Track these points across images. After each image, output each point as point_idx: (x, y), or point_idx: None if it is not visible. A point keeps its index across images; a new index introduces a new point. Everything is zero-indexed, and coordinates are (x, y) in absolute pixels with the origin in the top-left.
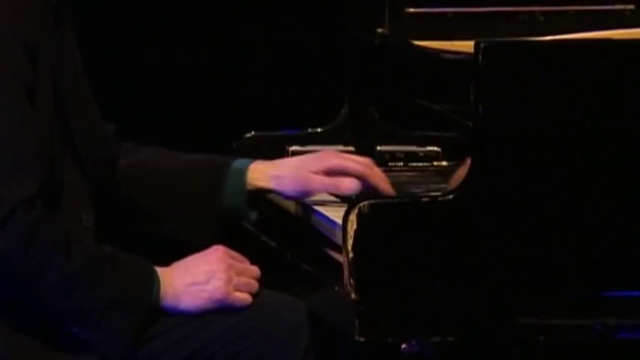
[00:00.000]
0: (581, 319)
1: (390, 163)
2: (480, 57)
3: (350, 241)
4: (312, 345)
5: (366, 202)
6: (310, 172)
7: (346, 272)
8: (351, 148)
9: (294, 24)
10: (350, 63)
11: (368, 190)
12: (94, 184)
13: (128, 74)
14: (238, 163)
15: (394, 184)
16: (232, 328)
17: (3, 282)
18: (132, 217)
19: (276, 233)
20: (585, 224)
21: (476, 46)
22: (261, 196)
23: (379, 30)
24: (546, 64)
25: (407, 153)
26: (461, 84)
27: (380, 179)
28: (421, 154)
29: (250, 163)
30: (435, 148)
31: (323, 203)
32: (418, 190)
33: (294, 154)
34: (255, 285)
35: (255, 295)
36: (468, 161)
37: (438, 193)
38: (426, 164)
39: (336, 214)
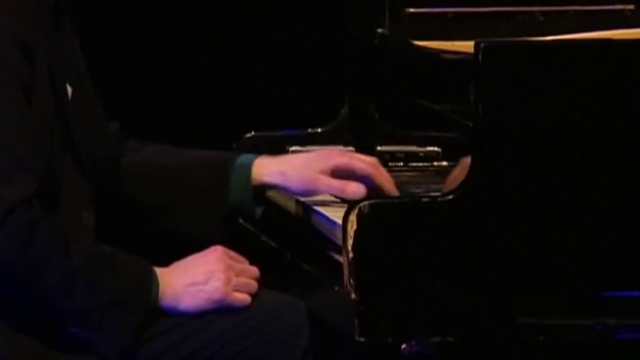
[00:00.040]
0: (581, 319)
1: (390, 163)
2: (480, 57)
3: (350, 241)
4: (312, 345)
5: (366, 202)
6: (317, 172)
7: (346, 272)
8: (351, 149)
9: (294, 24)
10: (350, 63)
11: (372, 189)
12: (94, 184)
13: (128, 74)
14: (243, 158)
15: (394, 184)
16: (232, 329)
17: (2, 282)
18: (137, 214)
19: (276, 233)
20: (585, 224)
21: (476, 46)
22: (265, 191)
23: (379, 30)
24: (546, 64)
25: (407, 153)
26: (461, 84)
27: (385, 179)
28: (421, 154)
29: (255, 158)
30: (435, 148)
31: (323, 203)
32: (418, 190)
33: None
34: (254, 285)
35: (254, 296)
36: (463, 161)
37: (438, 193)
38: (426, 164)
39: (336, 214)
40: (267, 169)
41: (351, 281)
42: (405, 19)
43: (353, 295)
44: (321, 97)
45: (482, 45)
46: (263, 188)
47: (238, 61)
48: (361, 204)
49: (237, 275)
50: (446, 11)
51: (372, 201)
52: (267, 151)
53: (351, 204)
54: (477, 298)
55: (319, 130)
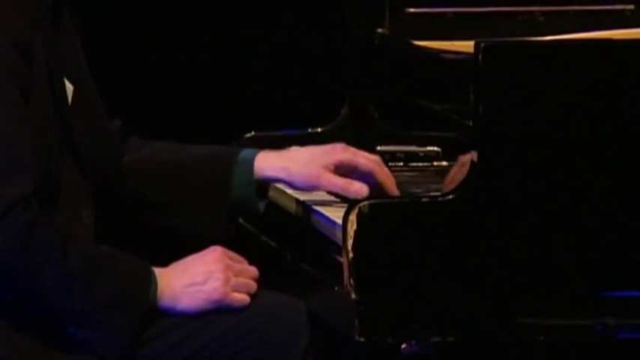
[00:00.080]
0: (581, 319)
1: (390, 163)
2: (480, 57)
3: (350, 241)
4: (312, 345)
5: (366, 202)
6: (320, 167)
7: (346, 272)
8: None
9: (294, 24)
10: (350, 63)
11: (373, 187)
12: (94, 184)
13: (128, 74)
14: (245, 153)
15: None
16: (232, 329)
17: (1, 281)
18: (140, 211)
19: (276, 233)
20: (585, 224)
21: (476, 46)
22: (268, 185)
23: (379, 30)
24: (546, 64)
25: (407, 153)
26: (461, 84)
27: (387, 178)
28: (421, 154)
29: (257, 152)
30: (435, 148)
31: (323, 203)
32: (418, 190)
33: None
34: (253, 285)
35: (254, 296)
36: (461, 159)
37: (438, 193)
38: (426, 164)
39: (336, 214)
40: (269, 163)
41: (351, 281)
42: (405, 19)
43: (353, 295)
44: (321, 97)
45: (482, 45)
46: (266, 182)
47: (238, 61)
48: (361, 204)
49: (236, 275)
50: (446, 11)
51: (372, 201)
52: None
53: (351, 204)
54: (477, 298)
55: (319, 130)
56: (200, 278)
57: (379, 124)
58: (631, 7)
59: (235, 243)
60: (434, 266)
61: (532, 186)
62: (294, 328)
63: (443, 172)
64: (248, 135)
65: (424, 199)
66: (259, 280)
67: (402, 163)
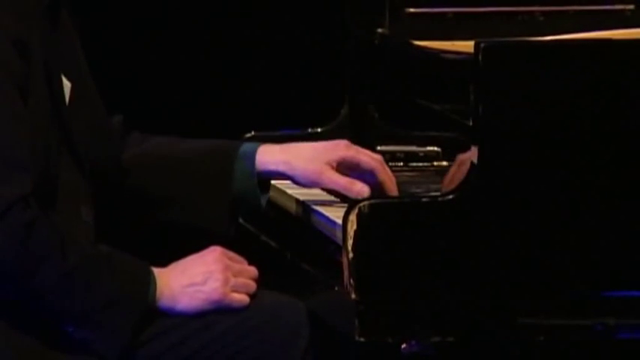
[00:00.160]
0: (581, 319)
1: (390, 163)
2: (480, 57)
3: (350, 241)
4: (312, 345)
5: (366, 202)
6: (323, 164)
7: (346, 272)
8: None
9: (294, 24)
10: (350, 63)
11: (374, 186)
12: (94, 182)
13: (128, 75)
14: (247, 146)
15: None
16: (232, 329)
17: (0, 281)
18: (141, 205)
19: (276, 233)
20: (585, 224)
21: (476, 46)
22: (270, 179)
23: (379, 30)
24: (546, 64)
25: (407, 153)
26: (461, 84)
27: (388, 177)
28: (421, 154)
29: (259, 145)
30: (435, 148)
31: (323, 203)
32: (418, 190)
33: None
34: (252, 286)
35: (253, 296)
36: (459, 158)
37: (438, 193)
38: (426, 164)
39: (336, 214)
40: (271, 157)
41: (351, 281)
42: (405, 19)
43: (353, 295)
44: (321, 97)
45: (482, 45)
46: (268, 176)
47: (238, 61)
48: (361, 204)
49: (235, 276)
50: (446, 11)
51: (372, 201)
52: None
53: (351, 204)
54: (477, 298)
55: (319, 130)
56: (199, 278)
57: (379, 124)
58: (631, 7)
59: (235, 243)
60: (434, 266)
61: (532, 186)
62: (294, 328)
63: (443, 172)
64: (248, 135)
65: (424, 199)
66: (259, 280)
67: (402, 163)
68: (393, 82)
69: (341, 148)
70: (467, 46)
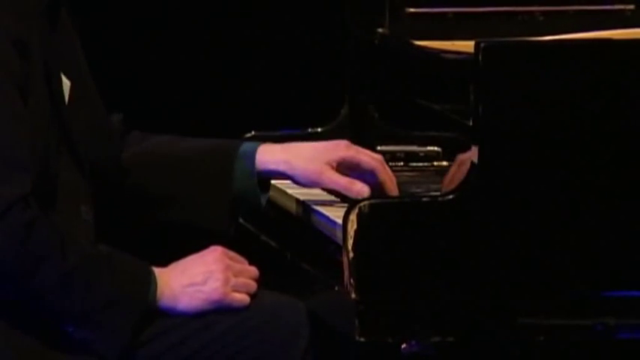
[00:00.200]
0: (581, 319)
1: (390, 163)
2: (480, 57)
3: (350, 241)
4: (312, 345)
5: (366, 202)
6: (324, 164)
7: (346, 272)
8: None
9: (294, 24)
10: (350, 63)
11: (374, 186)
12: (94, 182)
13: (127, 75)
14: (247, 145)
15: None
16: (232, 329)
17: (0, 281)
18: (142, 205)
19: (276, 233)
20: (585, 224)
21: (476, 46)
22: (270, 178)
23: (379, 30)
24: (546, 64)
25: (407, 153)
26: (461, 84)
27: (388, 177)
28: (421, 154)
29: (259, 145)
30: (435, 148)
31: (323, 203)
32: (418, 190)
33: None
34: (253, 285)
35: (254, 296)
36: (459, 158)
37: (438, 193)
38: (426, 164)
39: (336, 214)
40: (271, 156)
41: (351, 281)
42: (405, 19)
43: (353, 295)
44: (321, 97)
45: (482, 45)
46: (268, 175)
47: (238, 61)
48: (361, 204)
49: (236, 275)
50: (446, 11)
51: (372, 201)
52: None
53: (351, 204)
54: (477, 298)
55: (319, 130)
56: (200, 278)
57: (379, 124)
58: (631, 7)
59: (235, 243)
60: (434, 266)
61: (532, 186)
62: (294, 328)
63: (443, 172)
64: (248, 135)
65: (424, 199)
66: (259, 280)
67: (402, 163)
68: (393, 82)
69: (341, 149)
70: (467, 46)
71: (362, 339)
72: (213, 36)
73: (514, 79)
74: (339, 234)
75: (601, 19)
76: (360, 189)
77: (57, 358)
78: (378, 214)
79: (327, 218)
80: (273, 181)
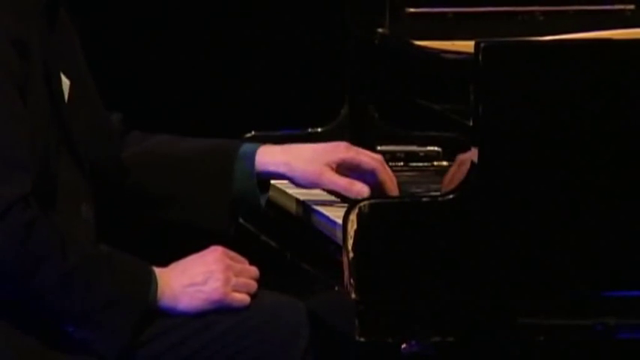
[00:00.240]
0: (581, 319)
1: (390, 163)
2: (480, 57)
3: (350, 241)
4: (312, 345)
5: (366, 202)
6: (323, 165)
7: (346, 272)
8: None
9: (294, 24)
10: (350, 63)
11: (374, 186)
12: (94, 182)
13: (127, 75)
14: (247, 146)
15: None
16: (232, 329)
17: (0, 281)
18: (142, 205)
19: (276, 233)
20: (585, 224)
21: (476, 46)
22: (270, 179)
23: (379, 30)
24: (546, 64)
25: (407, 153)
26: (461, 84)
27: (388, 177)
28: (421, 154)
29: (259, 146)
30: (435, 148)
31: (323, 203)
32: (418, 190)
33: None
34: (253, 285)
35: (254, 296)
36: (459, 158)
37: (438, 193)
38: (426, 164)
39: (336, 214)
40: (271, 157)
41: (351, 281)
42: (405, 19)
43: (353, 295)
44: (321, 97)
45: (482, 45)
46: (267, 177)
47: (238, 61)
48: (361, 204)
49: (236, 275)
50: (446, 11)
51: (372, 201)
52: None
53: (351, 204)
54: (477, 298)
55: (319, 130)
56: (200, 278)
57: (379, 124)
58: (631, 7)
59: (235, 243)
60: (434, 266)
61: (532, 186)
62: (294, 328)
63: (443, 172)
64: (248, 135)
65: (424, 199)
66: (259, 280)
67: (402, 163)
68: (393, 82)
69: (341, 150)
70: (467, 46)
71: (362, 339)
72: (213, 36)
73: (514, 79)
74: (339, 234)
75: (601, 19)
76: (359, 189)
77: (57, 358)
78: (378, 214)
79: (327, 218)
80: (273, 181)
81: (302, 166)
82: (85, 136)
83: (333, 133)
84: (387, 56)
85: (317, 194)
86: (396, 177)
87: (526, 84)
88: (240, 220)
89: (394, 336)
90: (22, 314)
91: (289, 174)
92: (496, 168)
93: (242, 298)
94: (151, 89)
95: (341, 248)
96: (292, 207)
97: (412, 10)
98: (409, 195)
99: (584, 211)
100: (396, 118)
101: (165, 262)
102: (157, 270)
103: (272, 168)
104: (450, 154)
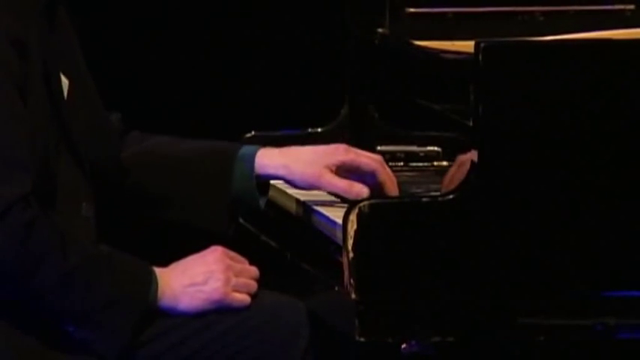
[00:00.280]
0: (581, 319)
1: (390, 163)
2: (480, 57)
3: (350, 241)
4: (312, 345)
5: (366, 202)
6: (322, 167)
7: (346, 272)
8: None
9: (294, 24)
10: (350, 63)
11: (374, 187)
12: (94, 181)
13: (127, 75)
14: (247, 148)
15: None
16: (232, 329)
17: (1, 281)
18: (141, 205)
19: (276, 233)
20: (585, 224)
21: (476, 46)
22: (269, 181)
23: (379, 30)
24: (546, 64)
25: (407, 153)
26: (461, 84)
27: (388, 177)
28: (421, 154)
29: (259, 148)
30: (435, 148)
31: (323, 203)
32: (418, 190)
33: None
34: (253, 285)
35: (254, 296)
36: (459, 159)
37: (438, 193)
38: (426, 164)
39: (336, 214)
40: (270, 160)
41: (351, 281)
42: (405, 19)
43: (353, 295)
44: (321, 97)
45: (482, 45)
46: (267, 179)
47: (238, 61)
48: (361, 204)
49: (236, 275)
50: (446, 11)
51: (372, 201)
52: None
53: (351, 204)
54: (477, 298)
55: (319, 130)
56: (200, 278)
57: (379, 124)
58: (631, 7)
59: (235, 243)
60: (434, 266)
61: (532, 186)
62: (294, 328)
63: (443, 172)
64: (248, 135)
65: (424, 199)
66: (259, 280)
67: (402, 163)
68: (393, 82)
69: (340, 153)
70: (467, 46)
71: (362, 339)
72: (213, 36)
73: (514, 79)
74: (339, 234)
75: (601, 19)
76: (359, 190)
77: (57, 358)
78: (378, 215)
79: (327, 218)
80: (272, 181)
81: (301, 169)
82: (84, 135)
83: (333, 134)
84: (387, 56)
85: (317, 194)
86: (396, 177)
87: (526, 84)
88: (240, 220)
89: (394, 336)
90: (22, 314)
91: (288, 176)
92: (496, 168)
93: (242, 298)
94: (151, 89)
95: (341, 248)
96: (292, 207)
97: (412, 10)
98: (409, 195)
99: (584, 211)
100: (396, 118)
101: (165, 262)
102: (157, 270)
103: (271, 171)
104: (450, 154)
